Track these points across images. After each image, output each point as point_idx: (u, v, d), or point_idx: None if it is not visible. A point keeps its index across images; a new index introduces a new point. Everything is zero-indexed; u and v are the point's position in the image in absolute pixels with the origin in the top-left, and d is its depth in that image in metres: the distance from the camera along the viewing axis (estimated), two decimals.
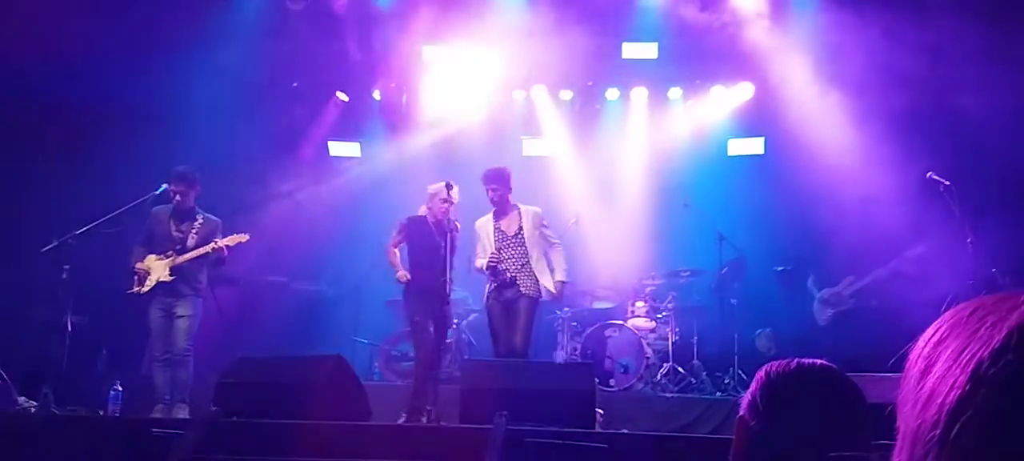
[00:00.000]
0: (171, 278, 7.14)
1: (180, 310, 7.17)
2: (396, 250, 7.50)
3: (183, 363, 7.12)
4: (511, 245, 7.34)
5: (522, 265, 7.28)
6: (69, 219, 7.82)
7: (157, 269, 7.15)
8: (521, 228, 7.36)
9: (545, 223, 7.52)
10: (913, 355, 0.90)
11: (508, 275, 7.25)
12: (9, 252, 8.02)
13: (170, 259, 7.18)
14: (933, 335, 0.89)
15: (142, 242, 7.36)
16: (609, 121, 10.95)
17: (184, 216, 7.32)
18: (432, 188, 7.33)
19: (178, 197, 7.27)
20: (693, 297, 9.58)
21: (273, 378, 5.69)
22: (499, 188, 7.32)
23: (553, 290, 7.32)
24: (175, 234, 7.26)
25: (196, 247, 7.19)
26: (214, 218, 7.42)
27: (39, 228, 8.15)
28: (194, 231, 7.24)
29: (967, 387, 0.80)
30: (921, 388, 0.85)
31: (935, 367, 0.85)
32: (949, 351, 0.84)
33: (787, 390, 1.60)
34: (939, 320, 0.91)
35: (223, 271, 7.92)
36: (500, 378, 5.78)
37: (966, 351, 0.82)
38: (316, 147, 11.04)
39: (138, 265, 7.21)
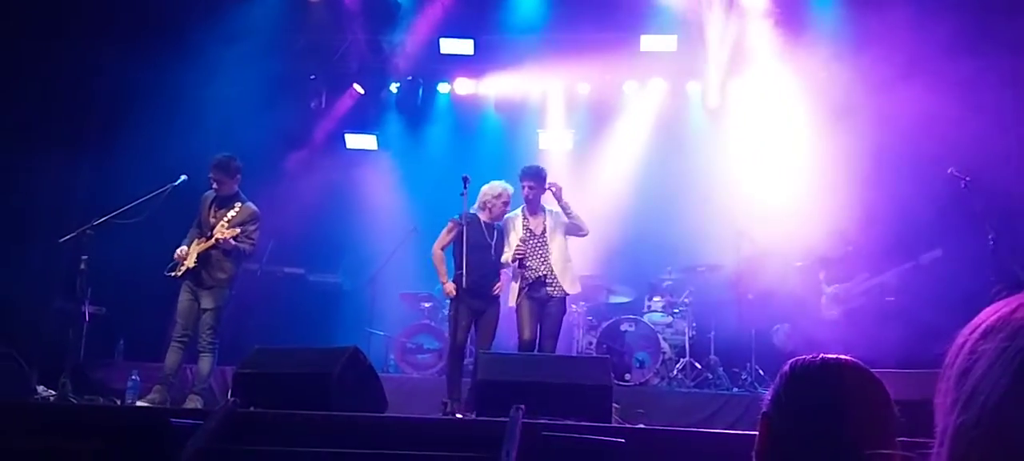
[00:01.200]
0: (194, 265, 7.14)
1: (204, 302, 7.16)
2: (442, 253, 7.40)
3: (205, 355, 7.13)
4: (538, 244, 7.38)
5: (548, 265, 7.33)
6: (88, 209, 7.86)
7: (190, 255, 7.17)
8: (546, 228, 7.41)
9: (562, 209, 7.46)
10: (952, 352, 0.88)
11: (538, 274, 7.30)
12: (28, 242, 8.06)
13: (199, 245, 7.20)
14: (974, 331, 0.87)
15: (194, 224, 7.39)
16: (627, 114, 10.89)
17: (223, 203, 7.31)
18: (493, 189, 7.34)
19: (215, 185, 7.28)
20: (711, 292, 9.52)
21: (290, 369, 5.69)
22: (536, 186, 7.37)
23: (571, 290, 7.39)
24: (211, 221, 7.26)
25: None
26: (251, 207, 7.32)
27: (58, 218, 8.21)
28: (226, 219, 7.19)
29: (1012, 384, 0.77)
30: (962, 385, 0.82)
31: (977, 366, 0.82)
32: (991, 350, 0.82)
33: (811, 386, 1.57)
34: (978, 318, 0.88)
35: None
36: (516, 371, 5.75)
37: (1009, 349, 0.80)
38: (333, 139, 11.06)
39: (181, 248, 7.22)
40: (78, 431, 4.79)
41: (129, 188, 7.56)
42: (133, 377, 7.10)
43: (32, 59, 8.24)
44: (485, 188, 7.40)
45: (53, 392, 6.82)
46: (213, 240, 7.07)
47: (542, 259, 7.35)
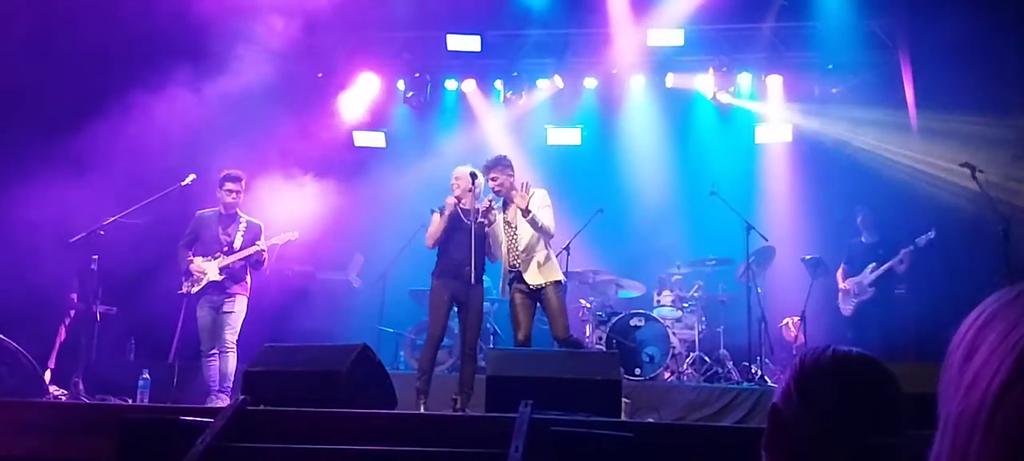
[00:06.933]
0: (221, 278, 7.38)
1: (227, 307, 7.41)
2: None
3: (229, 355, 7.32)
4: (513, 236, 7.01)
5: (522, 256, 6.92)
6: (98, 209, 7.89)
7: (210, 270, 7.38)
8: (517, 220, 6.96)
9: (544, 203, 6.93)
10: (955, 340, 0.87)
11: (516, 267, 6.93)
12: (39, 241, 8.09)
13: (218, 260, 7.42)
14: (976, 319, 0.86)
15: (186, 244, 7.54)
16: (634, 108, 10.88)
17: (230, 220, 7.59)
18: (457, 172, 7.10)
19: (235, 195, 7.52)
20: (720, 286, 9.52)
21: (299, 367, 5.69)
22: (499, 177, 6.99)
23: (546, 279, 6.82)
24: (222, 237, 7.51)
25: (242, 248, 7.47)
26: (256, 221, 7.69)
27: (67, 219, 8.23)
28: (240, 233, 7.53)
29: (1012, 371, 0.77)
30: (964, 373, 0.82)
31: (979, 352, 0.82)
32: (994, 335, 0.81)
33: (822, 378, 1.56)
34: (982, 304, 0.88)
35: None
36: (525, 367, 5.74)
37: (1012, 335, 0.79)
38: (341, 137, 11.06)
39: (192, 266, 7.41)
40: (90, 429, 4.81)
41: (138, 187, 7.61)
42: (144, 376, 7.14)
43: (45, 62, 8.25)
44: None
45: (65, 391, 6.87)
46: (252, 250, 7.46)
47: (515, 251, 6.96)
